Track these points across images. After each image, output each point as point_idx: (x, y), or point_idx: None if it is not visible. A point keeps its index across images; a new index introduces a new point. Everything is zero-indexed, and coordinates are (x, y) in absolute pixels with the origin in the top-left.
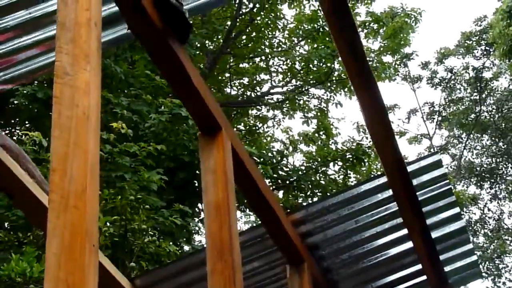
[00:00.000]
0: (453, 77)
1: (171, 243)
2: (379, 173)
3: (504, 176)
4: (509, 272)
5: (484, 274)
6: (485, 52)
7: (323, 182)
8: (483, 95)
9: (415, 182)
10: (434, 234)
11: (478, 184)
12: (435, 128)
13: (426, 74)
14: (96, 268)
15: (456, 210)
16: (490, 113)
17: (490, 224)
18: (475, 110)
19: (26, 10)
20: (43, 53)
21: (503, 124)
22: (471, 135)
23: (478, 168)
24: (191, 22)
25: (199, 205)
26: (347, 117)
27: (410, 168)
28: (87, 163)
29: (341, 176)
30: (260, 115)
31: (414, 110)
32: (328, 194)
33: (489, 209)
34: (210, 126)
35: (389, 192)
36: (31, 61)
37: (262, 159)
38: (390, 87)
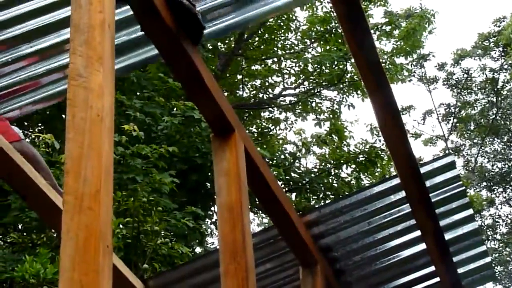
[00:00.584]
0: (469, 78)
1: (183, 245)
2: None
3: None
4: None
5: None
6: (503, 54)
7: (335, 185)
8: (500, 98)
9: (428, 183)
10: (447, 236)
11: (490, 188)
12: (450, 129)
13: (442, 75)
14: (110, 269)
15: (470, 211)
16: (504, 115)
17: (501, 229)
18: (490, 112)
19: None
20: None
21: None
22: (484, 140)
23: (489, 173)
24: (204, 24)
25: (212, 207)
26: (360, 119)
27: (423, 170)
28: (101, 164)
29: (354, 179)
30: (273, 117)
31: (430, 111)
32: (341, 196)
33: (499, 216)
34: (223, 128)
35: (402, 194)
36: (54, 85)
37: (274, 161)
38: (405, 88)
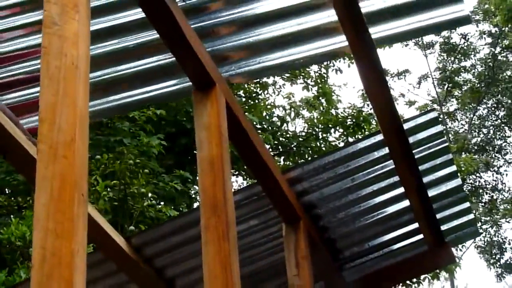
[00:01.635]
0: (466, 43)
1: (172, 208)
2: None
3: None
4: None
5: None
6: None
7: (324, 149)
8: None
9: (411, 140)
10: (431, 193)
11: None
12: (445, 95)
13: (440, 40)
14: (85, 218)
15: (453, 168)
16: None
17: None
18: (488, 78)
19: None
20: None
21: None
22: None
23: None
24: None
25: None
26: (349, 83)
27: (406, 126)
28: (76, 113)
29: (342, 143)
30: (260, 82)
31: (425, 75)
32: (324, 152)
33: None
34: (203, 82)
35: (386, 150)
36: None
37: (263, 126)
38: (401, 52)
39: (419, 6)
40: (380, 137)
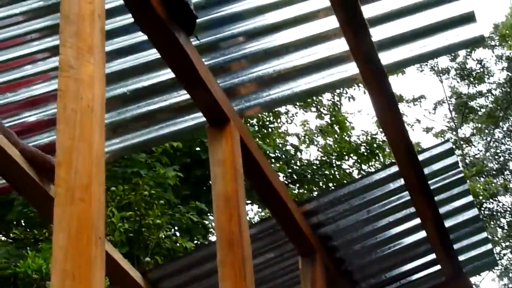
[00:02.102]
0: (482, 68)
1: (188, 240)
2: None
3: None
4: None
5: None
6: None
7: (338, 176)
8: None
9: (426, 171)
10: (448, 223)
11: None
12: (461, 120)
13: (455, 66)
14: (102, 260)
15: (469, 198)
16: None
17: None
18: (504, 102)
19: None
20: None
21: None
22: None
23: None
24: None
25: None
26: (364, 109)
27: (421, 157)
28: (92, 155)
29: (356, 170)
30: (273, 110)
31: (441, 101)
32: (339, 184)
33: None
34: (218, 118)
35: (401, 182)
36: None
37: (276, 154)
38: (417, 77)
39: (431, 29)
40: (395, 168)
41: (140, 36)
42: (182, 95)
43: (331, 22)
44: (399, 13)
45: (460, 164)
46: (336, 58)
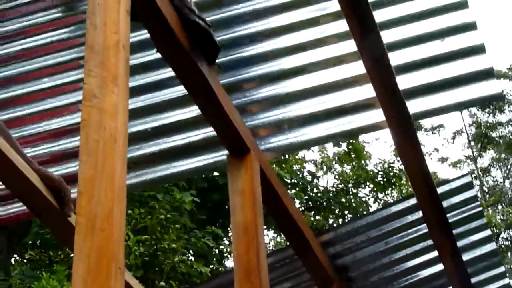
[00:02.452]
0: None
1: (203, 264)
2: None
3: None
4: None
5: None
6: None
7: (354, 204)
8: None
9: (445, 204)
10: (465, 257)
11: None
12: (480, 150)
13: None
14: None
15: (487, 232)
16: None
17: None
18: None
19: None
20: None
21: None
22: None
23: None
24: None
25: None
26: (381, 137)
27: (440, 190)
28: (114, 186)
29: (372, 198)
30: None
31: (460, 130)
32: (358, 215)
33: None
34: (238, 147)
35: (419, 214)
36: None
37: (293, 181)
38: None
39: (452, 83)
40: (413, 201)
41: (158, 75)
42: (202, 133)
43: (355, 68)
44: (421, 64)
45: (478, 196)
46: (360, 105)
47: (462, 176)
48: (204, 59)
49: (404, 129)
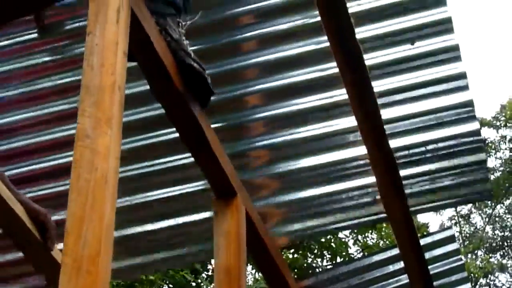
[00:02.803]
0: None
1: None
2: (388, 240)
3: None
4: None
5: None
6: None
7: (333, 245)
8: None
9: (427, 255)
10: None
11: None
12: None
13: None
14: None
15: (468, 286)
16: None
17: None
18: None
19: None
20: None
21: None
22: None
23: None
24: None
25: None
26: None
27: (423, 242)
28: (102, 227)
29: (352, 240)
30: None
31: None
32: (338, 262)
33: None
34: (225, 191)
35: (401, 264)
36: None
37: None
38: None
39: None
40: (396, 251)
41: None
42: None
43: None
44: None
45: (460, 249)
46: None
47: (445, 229)
48: (197, 102)
49: (391, 181)
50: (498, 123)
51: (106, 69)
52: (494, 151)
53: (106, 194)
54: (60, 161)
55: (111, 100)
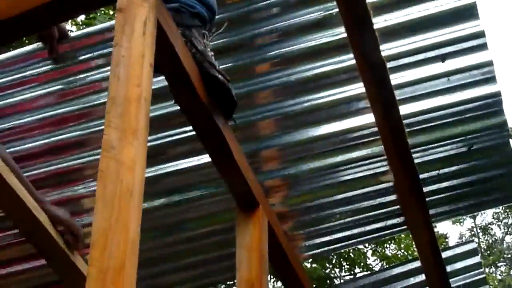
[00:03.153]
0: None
1: None
2: (408, 252)
3: None
4: None
5: None
6: None
7: (352, 255)
8: None
9: (449, 268)
10: None
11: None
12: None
13: None
14: None
15: None
16: None
17: None
18: None
19: None
20: None
21: None
22: None
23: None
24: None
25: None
26: None
27: (444, 255)
28: (128, 239)
29: (370, 251)
30: None
31: None
32: (359, 274)
33: None
34: (248, 203)
35: (422, 277)
36: None
37: None
38: None
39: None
40: (417, 263)
41: None
42: None
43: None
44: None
45: (482, 263)
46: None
47: (467, 242)
48: (221, 113)
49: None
50: None
51: (132, 80)
52: None
53: (131, 206)
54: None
55: (137, 111)
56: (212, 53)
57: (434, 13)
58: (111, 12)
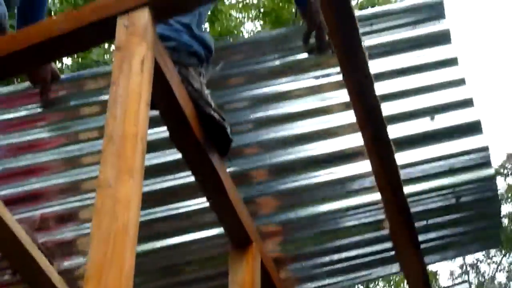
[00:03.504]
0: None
1: None
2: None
3: None
4: None
5: None
6: None
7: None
8: None
9: None
10: None
11: None
12: None
13: None
14: None
15: None
16: None
17: None
18: None
19: None
20: None
21: None
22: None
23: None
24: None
25: None
26: None
27: None
28: (122, 276)
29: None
30: None
31: None
32: None
33: None
34: (241, 241)
35: None
36: None
37: None
38: None
39: None
40: None
41: None
42: None
43: None
44: None
45: None
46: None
47: (461, 283)
48: (216, 151)
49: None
50: (505, 171)
51: (128, 119)
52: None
53: (127, 245)
54: None
55: (133, 150)
56: (209, 91)
57: None
58: (106, 45)
